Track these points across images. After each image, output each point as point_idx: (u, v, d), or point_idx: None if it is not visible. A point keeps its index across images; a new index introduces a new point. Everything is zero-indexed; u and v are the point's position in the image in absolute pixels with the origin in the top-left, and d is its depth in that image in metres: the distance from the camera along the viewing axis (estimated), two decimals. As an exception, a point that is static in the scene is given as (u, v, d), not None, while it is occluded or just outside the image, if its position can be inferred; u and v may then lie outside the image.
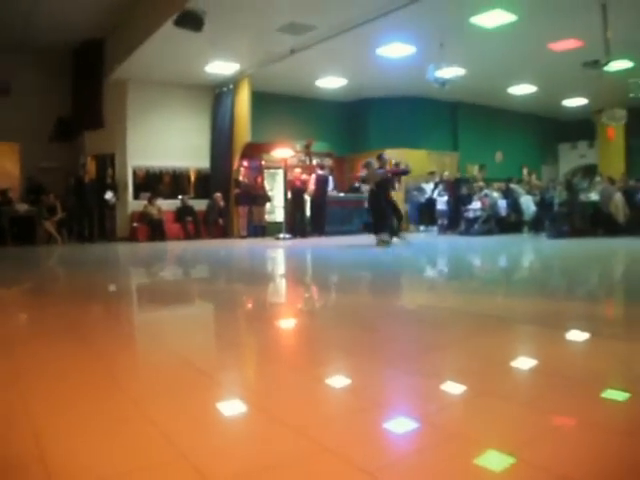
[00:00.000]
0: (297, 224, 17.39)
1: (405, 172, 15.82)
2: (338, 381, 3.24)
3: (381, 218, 13.16)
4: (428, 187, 19.67)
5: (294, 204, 17.43)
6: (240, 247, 15.06)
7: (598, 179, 17.94)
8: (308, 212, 17.91)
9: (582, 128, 24.85)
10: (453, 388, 3.17)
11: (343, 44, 14.10)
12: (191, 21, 11.70)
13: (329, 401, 2.94)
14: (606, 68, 13.74)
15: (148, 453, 2.16)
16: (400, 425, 2.57)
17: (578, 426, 2.61)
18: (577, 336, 4.44)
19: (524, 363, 3.69)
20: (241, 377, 3.40)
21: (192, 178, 18.89)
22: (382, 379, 3.30)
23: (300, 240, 16.24)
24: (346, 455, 2.17)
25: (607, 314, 5.77)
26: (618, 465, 2.21)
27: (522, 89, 20.09)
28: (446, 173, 19.82)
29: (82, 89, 17.45)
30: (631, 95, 14.70)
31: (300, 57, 15.04)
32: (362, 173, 13.90)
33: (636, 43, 14.05)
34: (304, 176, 17.63)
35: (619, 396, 3.06)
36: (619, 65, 15.27)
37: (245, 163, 18.08)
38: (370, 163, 13.53)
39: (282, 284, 8.34)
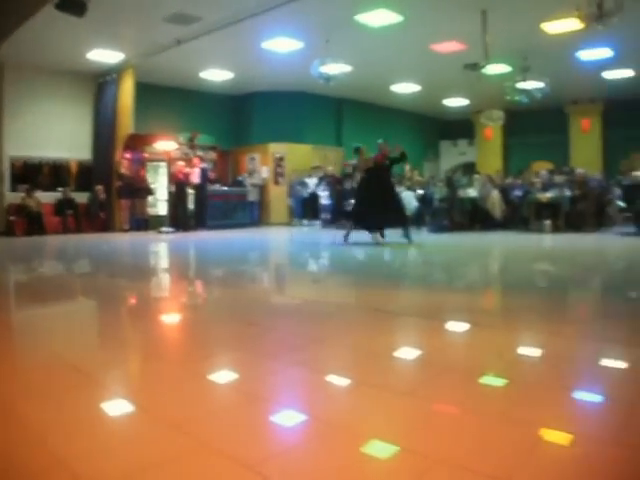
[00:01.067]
0: (180, 218, 17.09)
1: (396, 159, 12.57)
2: (220, 376, 3.23)
3: (370, 209, 11.83)
4: (312, 182, 19.78)
5: (177, 197, 17.13)
6: (122, 241, 14.73)
7: (477, 176, 18.54)
8: (191, 205, 17.63)
9: (462, 127, 25.70)
10: (336, 380, 3.21)
11: (230, 37, 13.98)
12: (73, 5, 11.23)
13: (211, 396, 2.92)
14: (485, 71, 14.23)
15: (20, 459, 2.07)
16: (284, 418, 2.58)
17: (457, 412, 2.70)
18: (457, 327, 4.60)
19: (406, 354, 3.79)
20: (121, 375, 3.33)
21: (73, 169, 18.15)
22: (264, 372, 3.30)
23: (183, 234, 16.02)
24: (227, 450, 2.16)
25: (485, 305, 5.98)
26: (495, 447, 2.29)
27: (406, 87, 20.48)
28: (330, 168, 19.98)
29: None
30: (508, 98, 15.28)
31: (186, 48, 14.81)
32: (353, 160, 13.14)
33: (513, 49, 14.58)
34: (187, 169, 17.35)
35: (496, 382, 3.19)
36: (497, 69, 15.85)
37: (127, 155, 17.60)
38: (358, 149, 12.58)
39: (165, 278, 8.22)
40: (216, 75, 18.21)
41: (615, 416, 2.71)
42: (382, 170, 11.93)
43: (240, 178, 19.95)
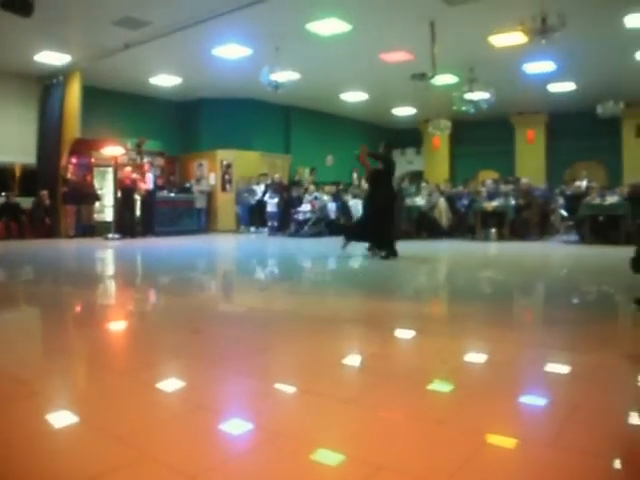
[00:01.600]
0: (127, 224, 16.87)
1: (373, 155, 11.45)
2: (165, 384, 3.21)
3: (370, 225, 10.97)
4: (259, 189, 19.74)
5: (124, 203, 16.91)
6: (68, 247, 14.49)
7: (424, 185, 18.77)
8: (138, 212, 17.45)
9: (410, 136, 25.94)
10: (282, 388, 3.23)
11: (179, 42, 13.91)
12: (19, 4, 11.03)
13: (155, 406, 2.90)
14: (433, 81, 14.42)
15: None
16: (229, 426, 2.59)
17: (402, 419, 2.75)
18: (403, 334, 4.66)
19: (352, 361, 3.83)
20: (64, 385, 3.27)
21: (17, 174, 17.80)
22: (209, 381, 3.30)
23: (130, 240, 15.84)
24: (170, 461, 2.15)
25: (431, 313, 6.06)
26: (439, 452, 2.35)
27: (354, 96, 20.62)
28: (276, 175, 19.99)
29: None
30: (455, 108, 15.50)
31: (135, 53, 14.68)
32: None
33: (460, 60, 14.83)
34: (135, 175, 17.16)
35: (441, 388, 3.26)
36: (445, 79, 16.09)
37: (74, 160, 17.35)
38: (358, 155, 11.39)
39: (110, 286, 8.11)
40: (165, 80, 18.06)
41: (556, 420, 2.79)
42: (378, 176, 11.11)
43: (188, 185, 19.80)
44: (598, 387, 3.27)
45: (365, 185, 12.37)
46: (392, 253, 10.50)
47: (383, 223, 10.65)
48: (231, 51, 14.86)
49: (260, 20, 12.57)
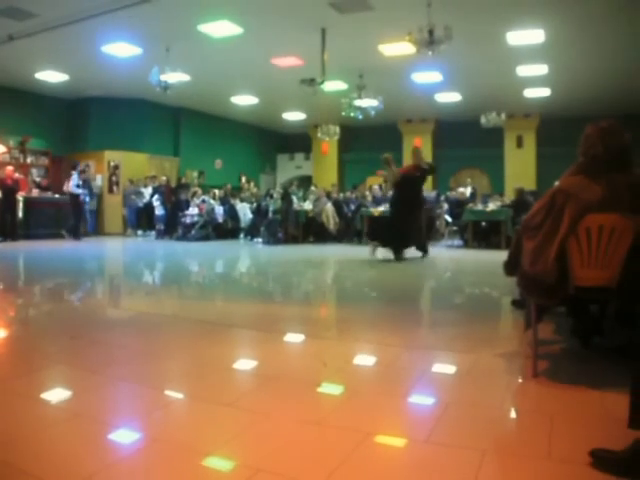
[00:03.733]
0: (8, 226, 16.12)
1: (428, 171, 11.98)
2: (43, 392, 3.14)
3: (393, 230, 11.09)
4: (147, 191, 19.41)
5: (5, 204, 16.14)
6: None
7: (312, 189, 18.94)
8: (21, 213, 16.73)
9: (300, 141, 26.14)
10: (163, 393, 3.22)
11: (67, 37, 13.43)
12: None
13: (32, 414, 2.83)
14: (322, 87, 14.58)
15: None
16: (107, 434, 2.56)
17: (281, 420, 2.80)
18: (287, 337, 4.71)
19: (235, 365, 3.84)
20: None
21: None
22: (87, 387, 3.24)
23: (12, 243, 15.21)
24: (46, 473, 2.13)
25: (316, 316, 6.14)
26: (318, 453, 2.40)
27: (245, 100, 20.56)
28: (164, 178, 19.67)
29: None
30: (344, 113, 15.72)
31: (19, 45, 14.05)
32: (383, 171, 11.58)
33: (350, 67, 15.05)
34: (17, 175, 16.49)
35: (328, 390, 3.32)
36: (334, 86, 16.29)
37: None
38: (386, 159, 11.56)
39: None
40: (51, 77, 17.32)
41: (432, 416, 2.90)
42: (413, 183, 11.22)
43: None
44: (472, 384, 3.43)
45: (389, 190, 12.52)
46: (397, 257, 10.90)
47: (403, 228, 10.93)
48: (121, 49, 14.50)
49: (151, 19, 12.36)
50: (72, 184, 16.60)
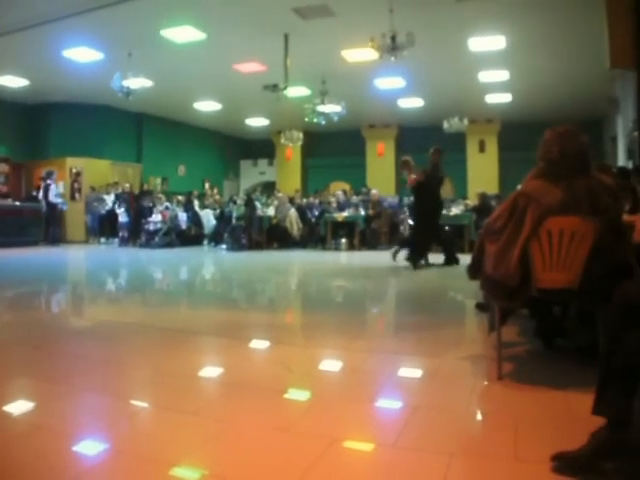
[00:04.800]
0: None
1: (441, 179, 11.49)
2: (3, 404, 3.08)
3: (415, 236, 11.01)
4: (109, 198, 19.19)
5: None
6: None
7: (277, 195, 18.94)
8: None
9: (263, 147, 26.12)
10: (127, 403, 3.19)
11: (26, 41, 13.25)
12: None
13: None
14: (285, 93, 14.58)
15: None
16: (71, 447, 2.53)
17: (246, 428, 2.80)
18: (252, 344, 4.71)
19: (200, 373, 3.82)
20: None
21: None
22: (49, 398, 3.20)
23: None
24: None
25: (280, 322, 6.14)
26: (282, 460, 2.40)
27: (208, 106, 20.46)
28: (126, 185, 19.45)
29: None
30: (307, 119, 15.74)
31: (-24, 50, 13.89)
32: (412, 174, 10.96)
33: (313, 73, 15.07)
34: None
35: (287, 395, 3.32)
36: (297, 91, 16.30)
37: None
38: (406, 162, 11.28)
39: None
40: (10, 81, 17.00)
41: (399, 421, 2.92)
42: (433, 185, 10.85)
43: (35, 193, 18.89)
44: (438, 388, 3.46)
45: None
46: (413, 264, 10.57)
47: (422, 233, 10.73)
48: (82, 54, 14.29)
49: (113, 24, 12.23)
50: (52, 194, 16.54)
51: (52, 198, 16.68)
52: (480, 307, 5.54)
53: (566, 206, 3.37)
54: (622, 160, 13.74)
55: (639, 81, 8.04)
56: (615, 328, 2.29)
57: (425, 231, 10.78)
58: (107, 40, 13.29)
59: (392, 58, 10.74)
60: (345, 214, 16.42)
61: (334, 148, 24.42)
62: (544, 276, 3.43)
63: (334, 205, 17.40)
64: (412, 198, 11.83)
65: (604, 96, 16.47)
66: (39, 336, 4.88)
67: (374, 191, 17.78)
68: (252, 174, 26.97)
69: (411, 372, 3.87)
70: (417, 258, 10.68)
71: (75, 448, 2.51)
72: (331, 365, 4.07)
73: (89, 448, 2.52)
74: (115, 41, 13.24)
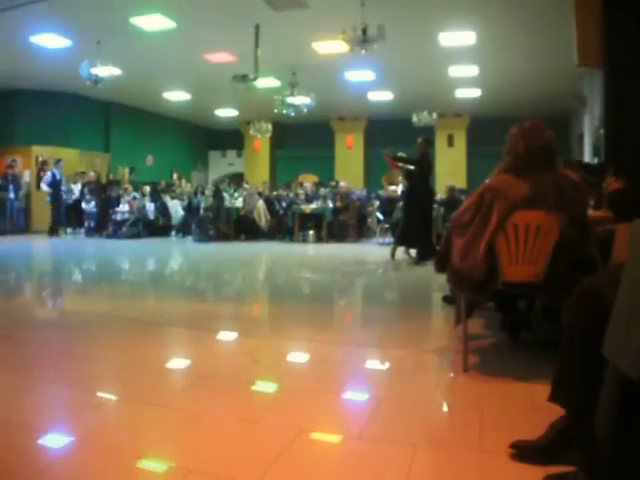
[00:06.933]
0: None
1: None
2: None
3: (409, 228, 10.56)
4: (76, 188, 18.89)
5: None
6: None
7: (245, 186, 18.89)
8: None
9: (232, 138, 25.97)
10: (94, 395, 3.17)
11: (-8, 27, 13.08)
12: None
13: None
14: (255, 84, 14.54)
15: None
16: (36, 439, 2.51)
17: (212, 419, 2.80)
18: (219, 335, 4.71)
19: (168, 364, 3.82)
20: None
21: None
22: (17, 391, 3.17)
23: None
24: None
25: (247, 314, 6.15)
26: (249, 452, 2.41)
27: (177, 95, 20.29)
28: (92, 174, 19.13)
29: None
30: (276, 111, 15.72)
31: (-60, 36, 13.64)
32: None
33: (283, 64, 15.05)
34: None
35: (254, 387, 3.33)
36: (267, 82, 16.24)
37: None
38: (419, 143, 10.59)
39: None
40: (-26, 68, 16.84)
41: (365, 412, 2.94)
42: (424, 173, 10.52)
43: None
44: (404, 380, 3.49)
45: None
46: (423, 257, 10.12)
47: (416, 225, 10.36)
48: (50, 41, 14.07)
49: (82, 10, 12.05)
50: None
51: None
52: (447, 300, 5.59)
53: (532, 200, 3.41)
54: (588, 157, 13.91)
55: (606, 79, 8.12)
56: (574, 316, 2.32)
57: (419, 222, 10.41)
58: (76, 27, 13.10)
59: (363, 51, 10.77)
60: (313, 206, 16.42)
61: (303, 140, 24.42)
62: (510, 270, 3.47)
63: (302, 197, 17.40)
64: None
65: (572, 94, 16.63)
66: (4, 327, 4.82)
67: (342, 183, 17.80)
68: (221, 165, 26.85)
69: (377, 364, 3.90)
70: (426, 250, 10.20)
71: (40, 441, 2.49)
72: (298, 357, 4.09)
73: (55, 441, 2.51)
74: (84, 28, 13.06)
